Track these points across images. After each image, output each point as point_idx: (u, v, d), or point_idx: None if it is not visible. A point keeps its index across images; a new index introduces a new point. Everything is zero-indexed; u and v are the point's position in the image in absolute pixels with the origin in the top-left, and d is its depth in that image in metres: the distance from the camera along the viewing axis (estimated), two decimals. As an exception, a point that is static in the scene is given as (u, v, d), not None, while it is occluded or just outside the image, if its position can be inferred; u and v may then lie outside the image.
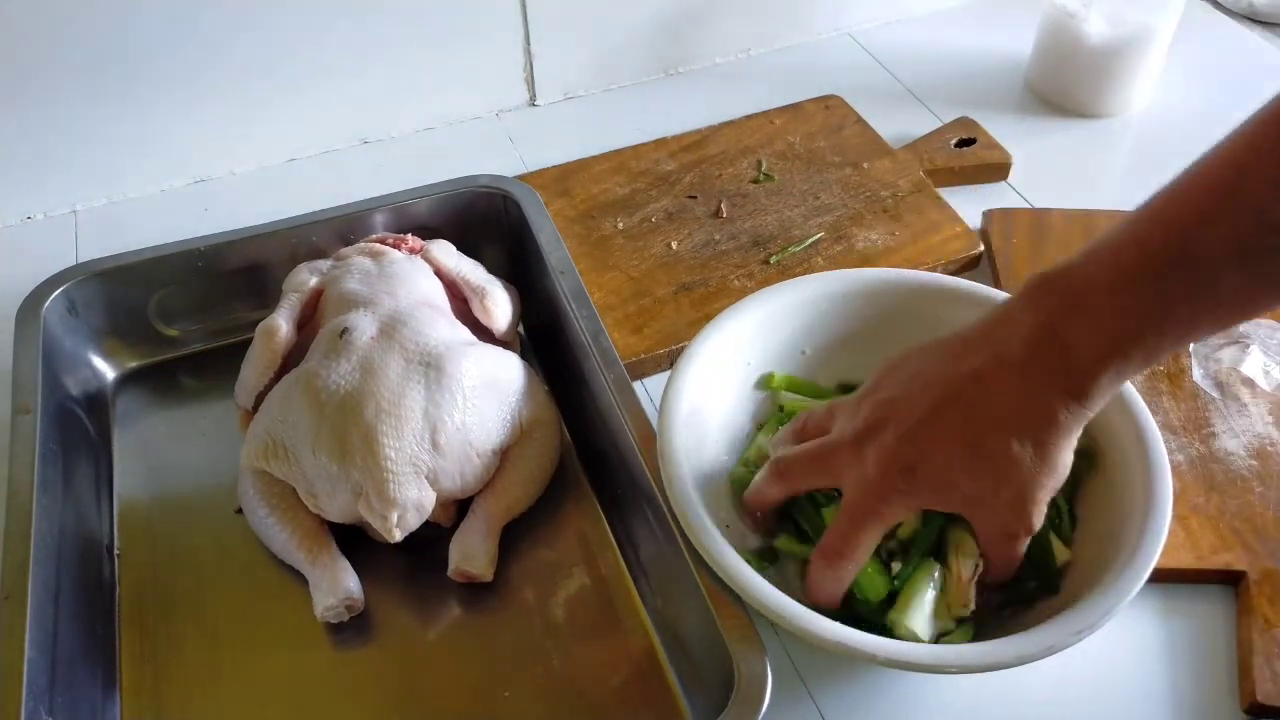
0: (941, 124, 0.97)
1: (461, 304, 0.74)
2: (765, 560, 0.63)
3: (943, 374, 0.55)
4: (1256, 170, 0.47)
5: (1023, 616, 0.59)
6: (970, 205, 0.88)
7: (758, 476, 0.62)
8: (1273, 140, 0.46)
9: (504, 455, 0.68)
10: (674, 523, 0.60)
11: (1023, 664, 0.53)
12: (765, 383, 0.70)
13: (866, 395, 0.58)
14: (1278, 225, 0.46)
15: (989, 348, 0.54)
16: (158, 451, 0.74)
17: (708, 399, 0.66)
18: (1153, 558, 0.56)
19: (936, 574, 0.59)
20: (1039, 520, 0.55)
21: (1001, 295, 0.68)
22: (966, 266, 0.83)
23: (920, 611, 0.58)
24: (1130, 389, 0.63)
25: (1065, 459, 0.54)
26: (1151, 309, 0.49)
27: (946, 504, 0.57)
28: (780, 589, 0.56)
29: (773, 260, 0.83)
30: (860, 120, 0.97)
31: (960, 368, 0.54)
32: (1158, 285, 0.49)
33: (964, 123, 0.96)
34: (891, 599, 0.59)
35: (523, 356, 0.72)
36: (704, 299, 0.80)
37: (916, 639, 0.57)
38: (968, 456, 0.54)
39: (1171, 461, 0.61)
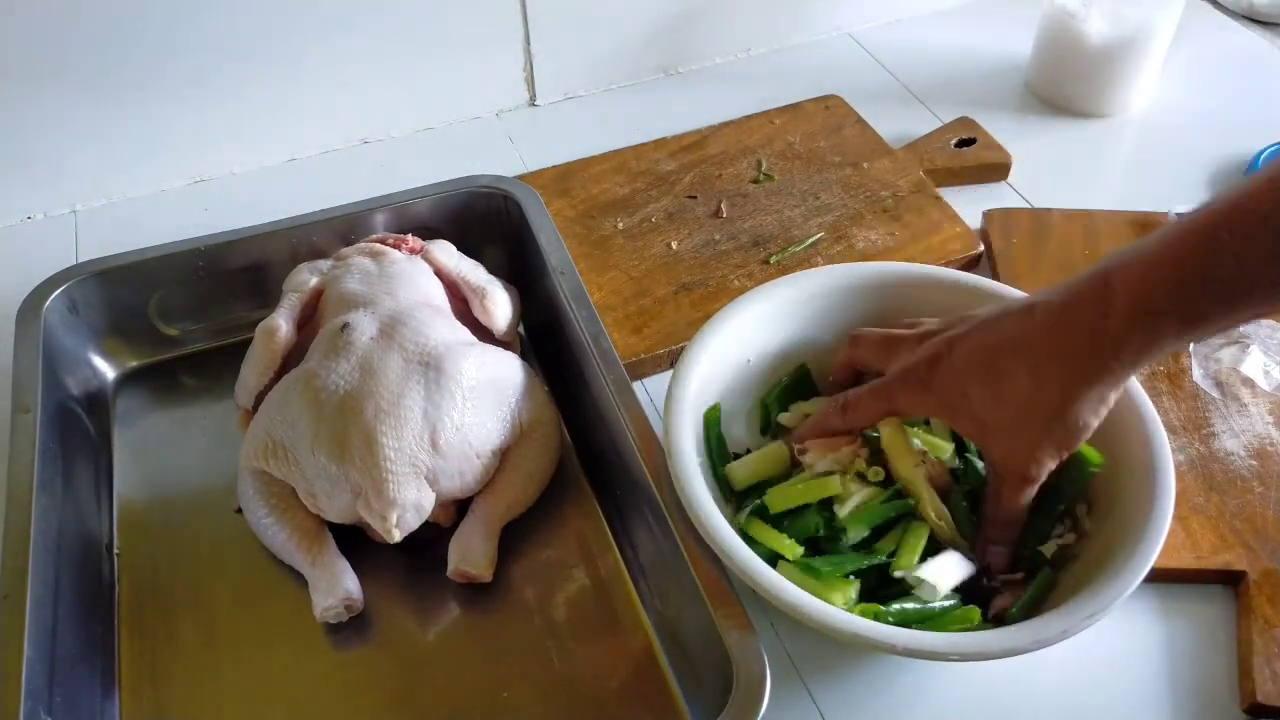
0: (941, 124, 0.97)
1: (461, 304, 0.74)
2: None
3: (1005, 305, 0.57)
4: None
5: (1033, 608, 0.59)
6: (970, 205, 0.88)
7: (815, 413, 0.65)
8: None
9: (504, 455, 0.68)
10: (674, 522, 0.60)
11: (1038, 649, 0.53)
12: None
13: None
14: None
15: (1052, 291, 0.55)
16: (158, 451, 0.74)
17: (710, 395, 0.66)
18: (1160, 537, 0.56)
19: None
20: (1038, 471, 0.56)
21: (1001, 288, 0.68)
22: (967, 266, 0.83)
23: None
24: (1134, 383, 0.63)
25: (1081, 414, 0.54)
26: (1200, 264, 0.48)
27: (956, 415, 0.58)
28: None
29: (773, 260, 0.83)
30: (860, 120, 0.97)
31: (1022, 302, 0.56)
32: (1210, 246, 0.48)
33: (964, 123, 0.96)
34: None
35: (523, 356, 0.72)
36: (704, 299, 0.80)
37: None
38: (985, 369, 0.55)
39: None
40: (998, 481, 0.58)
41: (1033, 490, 0.57)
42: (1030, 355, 0.53)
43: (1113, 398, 0.54)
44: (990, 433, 0.57)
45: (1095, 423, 0.54)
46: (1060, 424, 0.54)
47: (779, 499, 0.62)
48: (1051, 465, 0.56)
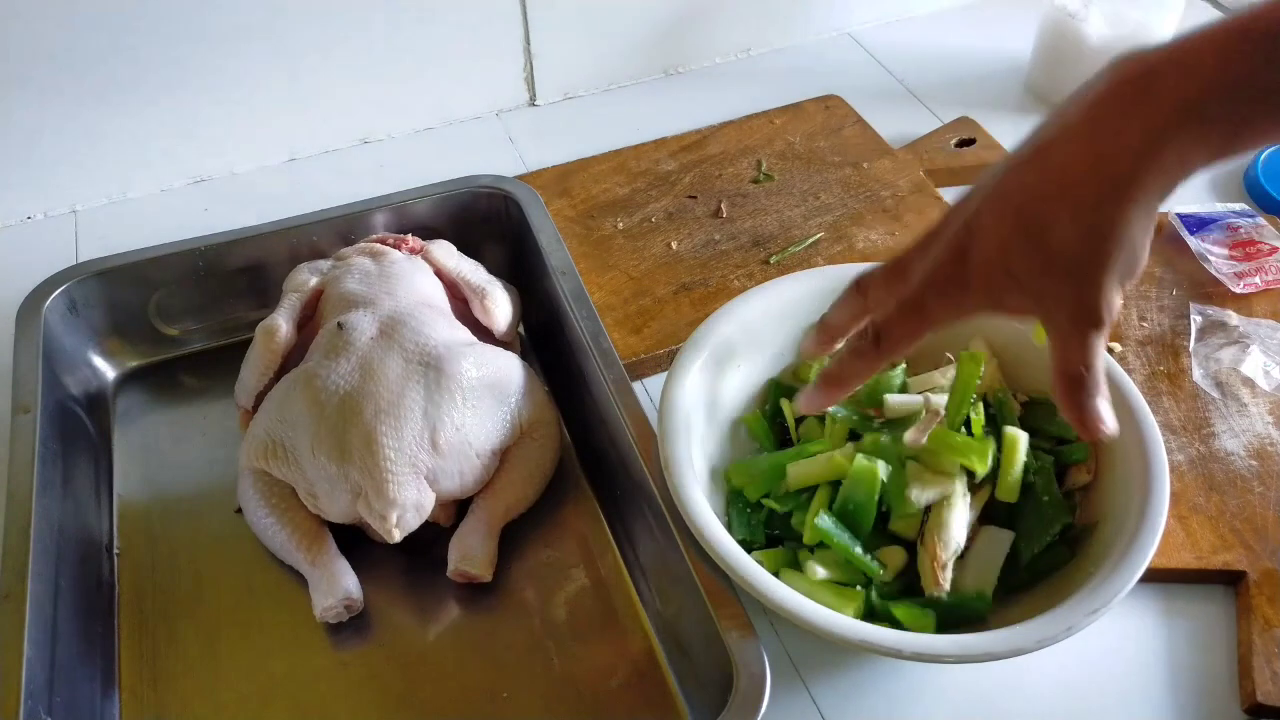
0: (941, 124, 0.97)
1: (461, 304, 0.74)
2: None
3: (1012, 157, 0.50)
4: None
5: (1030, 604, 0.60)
6: (970, 205, 0.88)
7: (832, 304, 0.58)
8: None
9: (504, 455, 0.68)
10: (674, 522, 0.60)
11: (1043, 647, 0.53)
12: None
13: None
14: None
15: (1057, 118, 0.48)
16: (158, 451, 0.74)
17: (704, 395, 0.66)
18: (1158, 527, 0.56)
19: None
20: (1109, 311, 0.48)
21: None
22: (966, 266, 0.83)
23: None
24: (1128, 382, 0.63)
25: (1135, 235, 0.47)
26: (1251, 69, 0.43)
27: (1005, 298, 0.50)
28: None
29: (773, 260, 0.84)
30: (860, 120, 0.97)
31: (1026, 147, 0.49)
32: (1262, 51, 0.42)
33: (964, 123, 0.96)
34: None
35: (523, 356, 0.72)
36: (704, 299, 0.80)
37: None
38: (1022, 236, 0.48)
39: (1171, 461, 0.61)
40: (1067, 339, 0.50)
41: (1105, 336, 0.50)
42: (1067, 197, 0.47)
43: (1157, 213, 0.47)
44: (1050, 296, 0.49)
45: (1148, 241, 0.47)
46: (1120, 250, 0.47)
47: (797, 476, 0.62)
48: (1119, 300, 0.49)
